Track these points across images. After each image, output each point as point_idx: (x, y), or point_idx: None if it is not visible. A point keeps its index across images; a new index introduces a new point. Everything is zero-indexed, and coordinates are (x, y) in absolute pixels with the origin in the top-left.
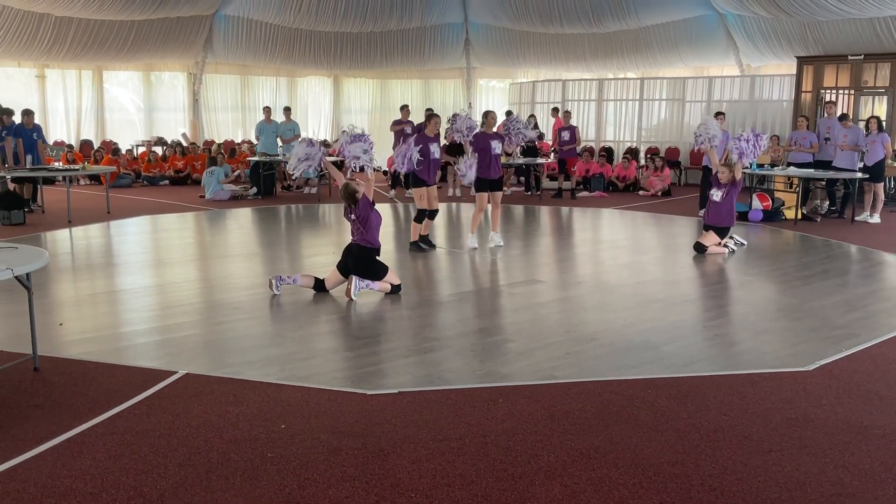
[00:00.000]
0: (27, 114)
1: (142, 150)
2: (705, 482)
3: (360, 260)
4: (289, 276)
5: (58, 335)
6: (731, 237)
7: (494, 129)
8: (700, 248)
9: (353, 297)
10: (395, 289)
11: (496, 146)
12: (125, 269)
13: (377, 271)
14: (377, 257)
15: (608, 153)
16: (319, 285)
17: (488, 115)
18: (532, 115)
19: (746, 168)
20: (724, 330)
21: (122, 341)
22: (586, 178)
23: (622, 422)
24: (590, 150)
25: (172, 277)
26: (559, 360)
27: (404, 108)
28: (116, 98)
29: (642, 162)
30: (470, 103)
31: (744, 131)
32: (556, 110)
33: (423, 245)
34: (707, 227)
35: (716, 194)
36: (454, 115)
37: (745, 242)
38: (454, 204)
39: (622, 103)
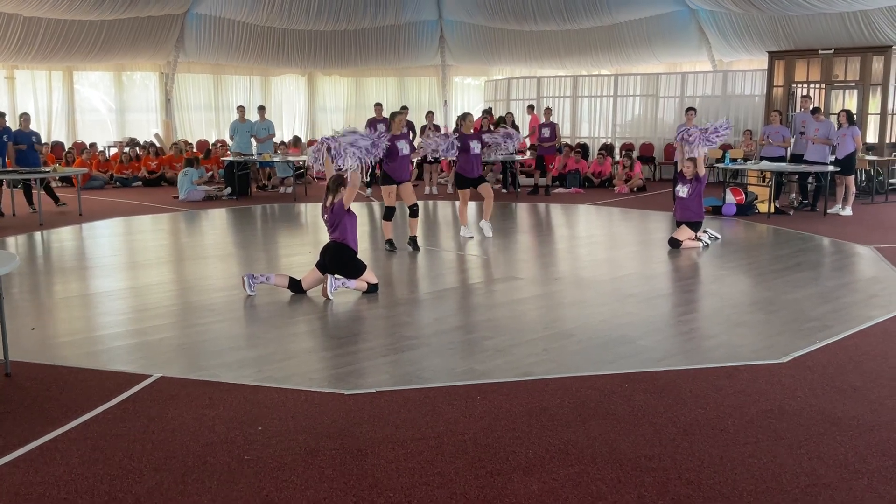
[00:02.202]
0: None
1: (114, 150)
2: (682, 475)
3: (338, 257)
4: (262, 274)
5: (30, 340)
6: (706, 231)
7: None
8: (675, 243)
9: (329, 296)
10: (372, 288)
11: (475, 146)
12: (98, 272)
13: (355, 269)
14: (355, 255)
15: (583, 149)
16: (295, 285)
17: (466, 118)
18: (509, 113)
19: (719, 162)
20: (699, 324)
21: (96, 345)
22: (562, 175)
23: (600, 417)
24: (569, 147)
25: (146, 280)
26: (537, 357)
27: (378, 106)
28: (88, 99)
29: (617, 158)
30: (446, 101)
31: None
32: (531, 107)
33: (411, 246)
34: (679, 223)
35: (682, 190)
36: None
37: (720, 236)
38: (430, 202)
39: (597, 99)
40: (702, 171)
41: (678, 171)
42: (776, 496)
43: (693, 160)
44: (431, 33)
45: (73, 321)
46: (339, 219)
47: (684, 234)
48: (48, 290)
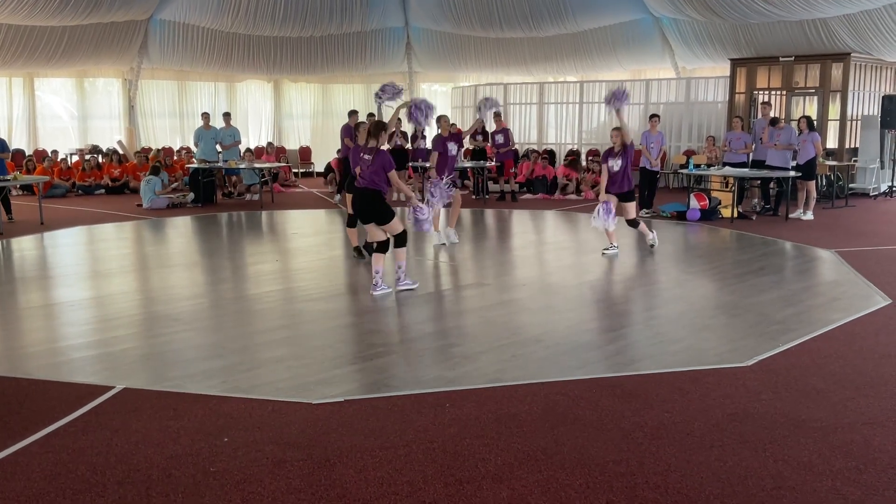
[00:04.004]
0: None
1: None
2: (649, 480)
3: (368, 202)
4: (376, 273)
5: None
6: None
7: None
8: (633, 223)
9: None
10: (399, 241)
11: (452, 148)
12: (60, 282)
13: (384, 213)
14: (385, 199)
15: (550, 156)
16: (369, 248)
17: (441, 119)
18: (478, 119)
19: (683, 168)
20: (665, 328)
21: (57, 356)
22: (529, 180)
23: (568, 423)
24: (536, 153)
25: (109, 289)
26: (505, 363)
27: (353, 114)
28: (49, 105)
29: (584, 163)
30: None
31: None
32: (497, 115)
33: (365, 252)
34: (619, 195)
35: (614, 165)
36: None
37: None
38: (397, 209)
39: (563, 106)
40: (628, 139)
41: (611, 148)
42: (742, 499)
43: (619, 129)
44: (398, 40)
45: (34, 332)
46: (379, 164)
47: (631, 210)
48: (8, 301)
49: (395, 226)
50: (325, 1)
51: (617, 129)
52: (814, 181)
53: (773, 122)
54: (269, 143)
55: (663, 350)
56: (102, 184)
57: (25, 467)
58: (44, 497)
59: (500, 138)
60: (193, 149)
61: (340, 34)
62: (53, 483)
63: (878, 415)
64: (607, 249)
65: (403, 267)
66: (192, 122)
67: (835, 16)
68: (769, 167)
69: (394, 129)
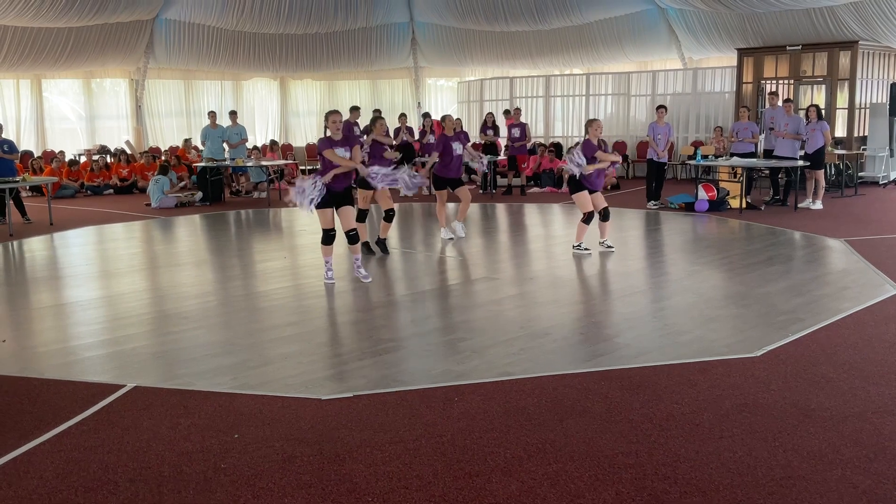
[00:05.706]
0: None
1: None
2: (659, 471)
3: None
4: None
5: (1, 352)
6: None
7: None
8: (592, 218)
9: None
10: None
11: (457, 147)
12: (70, 282)
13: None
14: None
15: (557, 149)
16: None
17: (446, 119)
18: (490, 114)
19: (691, 159)
20: (673, 319)
21: (69, 356)
22: (536, 174)
23: (576, 415)
24: (543, 146)
25: (119, 289)
26: (514, 357)
27: (355, 110)
28: (57, 107)
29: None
30: (419, 103)
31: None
32: (507, 112)
33: (380, 249)
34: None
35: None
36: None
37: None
38: (407, 204)
39: (569, 99)
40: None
41: (586, 143)
42: (751, 489)
43: (597, 121)
44: (403, 35)
45: (46, 332)
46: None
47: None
48: (19, 301)
49: (343, 220)
50: None
51: (594, 120)
52: (822, 170)
53: (786, 101)
54: (273, 142)
55: (672, 341)
56: (111, 184)
57: (38, 466)
58: (56, 495)
59: (516, 132)
60: (201, 147)
61: (345, 30)
62: (65, 481)
63: (887, 403)
64: (607, 245)
65: (329, 264)
66: (199, 121)
67: (842, 3)
68: (777, 157)
69: (399, 126)
